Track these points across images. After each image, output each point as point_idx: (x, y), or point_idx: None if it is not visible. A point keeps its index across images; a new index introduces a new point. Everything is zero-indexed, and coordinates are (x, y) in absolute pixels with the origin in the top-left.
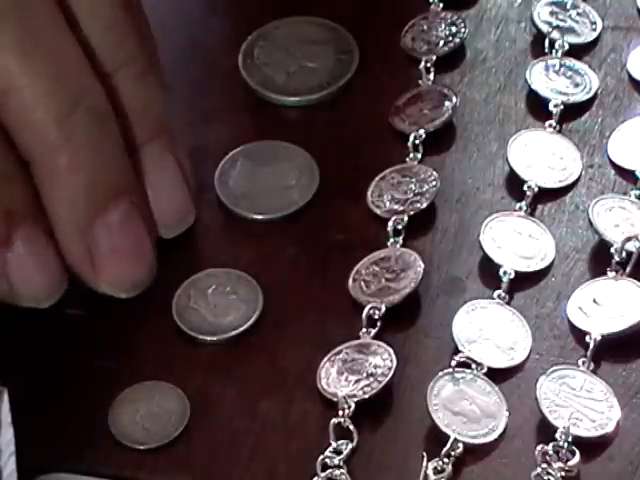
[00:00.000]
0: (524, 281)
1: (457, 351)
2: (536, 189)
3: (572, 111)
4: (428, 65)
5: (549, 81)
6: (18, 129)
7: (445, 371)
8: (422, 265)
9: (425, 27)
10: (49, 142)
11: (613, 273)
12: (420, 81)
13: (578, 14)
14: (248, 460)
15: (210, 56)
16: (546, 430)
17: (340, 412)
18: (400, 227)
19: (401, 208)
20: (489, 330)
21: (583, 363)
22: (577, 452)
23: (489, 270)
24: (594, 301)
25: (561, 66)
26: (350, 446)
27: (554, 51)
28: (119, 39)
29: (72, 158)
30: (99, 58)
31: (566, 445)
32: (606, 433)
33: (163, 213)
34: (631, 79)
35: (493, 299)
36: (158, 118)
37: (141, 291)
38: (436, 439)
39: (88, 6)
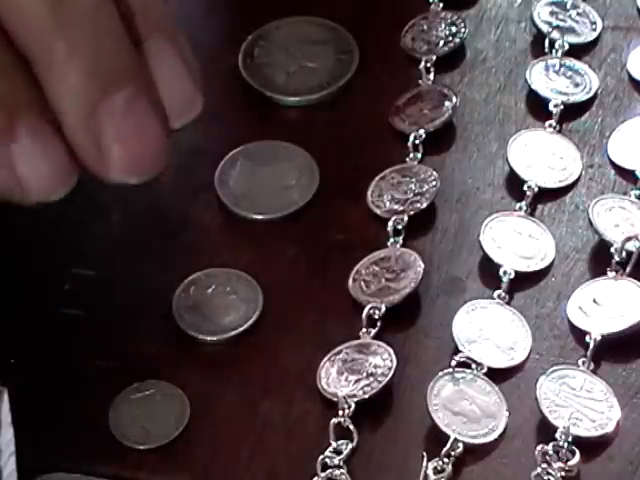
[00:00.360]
0: (524, 281)
1: (457, 351)
2: (536, 189)
3: (572, 111)
4: (428, 65)
5: (549, 81)
6: (14, 24)
7: (445, 371)
8: (422, 265)
9: (425, 27)
10: (44, 30)
11: (613, 273)
12: (420, 81)
13: (578, 14)
14: (248, 460)
15: (210, 56)
16: (546, 430)
17: (340, 412)
18: (400, 227)
19: (401, 208)
20: (489, 330)
21: (583, 363)
22: (577, 452)
23: (489, 270)
24: (594, 301)
25: (561, 66)
26: (350, 446)
27: (554, 51)
28: None
29: (69, 45)
30: None
31: (566, 445)
32: (606, 433)
33: (169, 102)
34: (631, 79)
35: (493, 299)
36: (158, 14)
37: (152, 177)
38: (436, 439)
39: None
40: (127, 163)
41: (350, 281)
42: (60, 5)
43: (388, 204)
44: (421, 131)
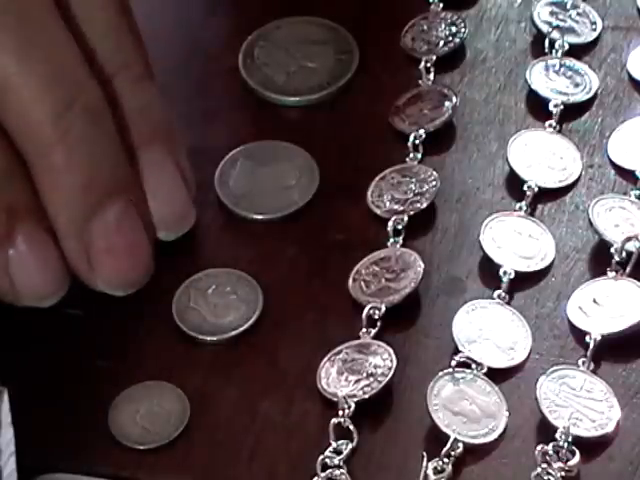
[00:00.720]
0: (524, 281)
1: (457, 351)
2: (536, 189)
3: (572, 111)
4: (428, 65)
5: (549, 81)
6: (15, 127)
7: (445, 371)
8: (422, 265)
9: (425, 27)
10: (44, 140)
11: (613, 273)
12: (420, 81)
13: (578, 14)
14: (248, 460)
15: (210, 56)
16: (546, 430)
17: (340, 412)
18: (400, 227)
19: (401, 208)
20: (489, 330)
21: (583, 363)
22: (577, 452)
23: (489, 270)
24: (594, 301)
25: (561, 66)
26: (350, 446)
27: (554, 51)
28: (116, 44)
29: (67, 156)
30: (96, 63)
31: (566, 445)
32: (606, 433)
33: (162, 216)
34: (631, 79)
35: (493, 299)
36: (156, 121)
37: (137, 289)
38: (436, 439)
39: (85, 11)
40: (115, 276)
41: (350, 281)
42: (62, 119)
43: (388, 204)
44: (421, 131)
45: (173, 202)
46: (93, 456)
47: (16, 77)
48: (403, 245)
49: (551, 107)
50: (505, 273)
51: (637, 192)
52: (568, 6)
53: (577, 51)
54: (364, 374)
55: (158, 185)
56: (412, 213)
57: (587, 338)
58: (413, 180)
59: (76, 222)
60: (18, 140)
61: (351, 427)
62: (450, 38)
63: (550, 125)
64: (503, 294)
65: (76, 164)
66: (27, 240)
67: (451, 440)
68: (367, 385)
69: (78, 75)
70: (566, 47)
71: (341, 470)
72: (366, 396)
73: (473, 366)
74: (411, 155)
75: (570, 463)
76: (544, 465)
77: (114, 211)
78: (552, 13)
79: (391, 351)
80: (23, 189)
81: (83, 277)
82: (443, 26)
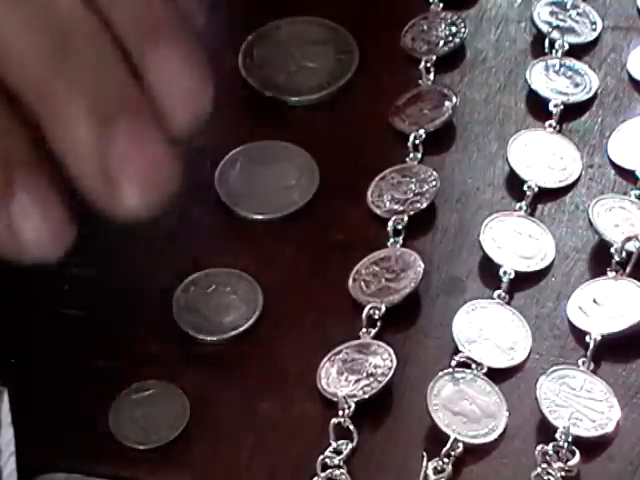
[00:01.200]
0: (524, 281)
1: (457, 351)
2: (536, 189)
3: (572, 111)
4: (428, 65)
5: (549, 81)
6: (14, 71)
7: (445, 371)
8: (422, 265)
9: (425, 27)
10: (43, 71)
11: (613, 273)
12: (420, 81)
13: (578, 14)
14: (248, 460)
15: (210, 56)
16: (546, 430)
17: (340, 412)
18: (400, 227)
19: (401, 208)
20: (489, 330)
21: (583, 363)
22: (577, 452)
23: (489, 270)
24: (594, 301)
25: (561, 66)
26: (350, 446)
27: (554, 51)
28: None
29: (68, 82)
30: None
31: (566, 445)
32: (606, 433)
33: (171, 107)
34: (631, 79)
35: (493, 299)
36: (158, 13)
37: (163, 207)
38: (436, 439)
39: None
40: (138, 191)
41: (350, 281)
42: (60, 52)
43: (388, 204)
44: (421, 131)
45: (180, 91)
46: (93, 456)
47: (10, 14)
48: (403, 245)
49: (551, 107)
50: (505, 273)
51: (637, 192)
52: (568, 6)
53: (577, 51)
54: (364, 374)
55: (162, 79)
56: (412, 213)
57: (587, 338)
58: (413, 180)
59: (88, 145)
60: (18, 84)
61: (351, 427)
62: (450, 38)
63: (550, 125)
64: (503, 294)
65: (78, 89)
66: (27, 189)
67: (451, 440)
68: (367, 385)
69: (75, 4)
70: (566, 47)
71: (341, 470)
72: (366, 396)
73: (473, 366)
74: (411, 155)
75: (570, 463)
76: (544, 465)
77: (125, 128)
78: (552, 13)
79: (391, 351)
80: (22, 141)
81: (105, 205)
82: (443, 26)
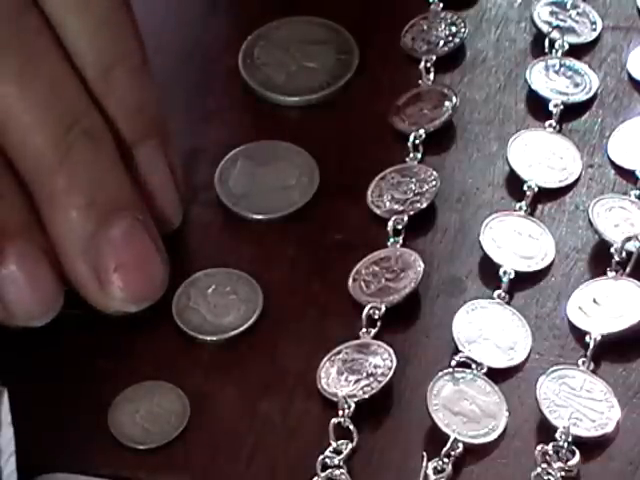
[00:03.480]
0: (524, 281)
1: (457, 351)
2: (536, 189)
3: (572, 111)
4: (428, 65)
5: (549, 81)
6: (17, 153)
7: (445, 371)
8: (422, 265)
9: (425, 27)
10: (46, 165)
11: (613, 273)
12: (420, 81)
13: (578, 14)
14: (248, 460)
15: (210, 56)
16: (546, 430)
17: (340, 412)
18: (400, 227)
19: (401, 208)
20: (489, 330)
21: (583, 363)
22: (577, 452)
23: (489, 270)
24: (594, 301)
25: (561, 66)
26: (350, 446)
27: (554, 51)
28: (114, 34)
29: (69, 179)
30: (95, 55)
31: (566, 445)
32: (606, 433)
33: (155, 214)
34: (631, 79)
35: (493, 299)
36: (153, 117)
37: (151, 303)
38: (436, 439)
39: (82, 1)
40: (128, 292)
41: (350, 281)
42: (63, 143)
43: (388, 204)
44: (421, 131)
45: (161, 201)
46: (93, 456)
47: (17, 104)
48: (403, 245)
49: (551, 107)
50: (505, 273)
51: (637, 192)
52: (568, 6)
53: (577, 51)
54: (364, 374)
55: (153, 183)
56: (412, 213)
57: (587, 338)
58: (413, 180)
59: (82, 242)
60: (19, 165)
61: (351, 427)
62: (450, 38)
63: (550, 125)
64: (503, 294)
65: (78, 186)
66: (18, 258)
67: (451, 440)
68: (367, 385)
69: (78, 100)
70: (566, 47)
71: (341, 470)
72: (366, 396)
73: (473, 366)
74: (411, 155)
75: (570, 463)
76: (544, 465)
77: (120, 227)
78: (552, 13)
79: (391, 351)
80: (16, 210)
81: (94, 299)
82: (443, 26)
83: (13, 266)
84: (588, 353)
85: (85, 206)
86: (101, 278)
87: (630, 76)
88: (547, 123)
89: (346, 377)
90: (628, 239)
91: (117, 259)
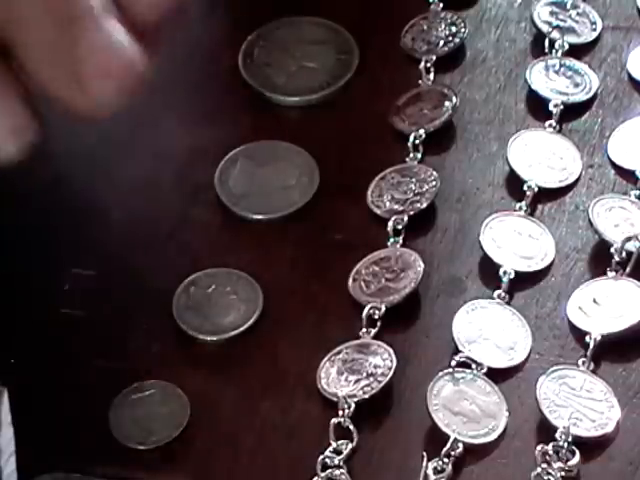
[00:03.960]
0: (524, 281)
1: (457, 351)
2: (536, 189)
3: (572, 111)
4: (428, 65)
5: (549, 81)
6: None
7: (445, 371)
8: (422, 265)
9: (425, 27)
10: None
11: (613, 273)
12: (420, 81)
13: (578, 14)
14: (248, 460)
15: (210, 56)
16: (546, 430)
17: (340, 412)
18: (400, 227)
19: (401, 208)
20: (489, 330)
21: (583, 363)
22: (577, 452)
23: (489, 270)
24: (594, 301)
25: (561, 66)
26: (350, 446)
27: (554, 51)
28: None
29: None
30: None
31: (566, 445)
32: (606, 433)
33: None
34: (631, 79)
35: (493, 299)
36: None
37: (127, 97)
38: (436, 439)
39: None
40: (103, 77)
41: (350, 281)
42: None
43: (388, 204)
44: (421, 131)
45: None
46: (93, 456)
47: None
48: (403, 245)
49: (551, 107)
50: (505, 273)
51: (637, 192)
52: (568, 6)
53: (577, 51)
54: (364, 374)
55: None
56: (412, 213)
57: (587, 338)
58: (413, 180)
59: (53, 35)
60: None
61: (351, 427)
62: (450, 38)
63: (550, 125)
64: (503, 294)
65: None
66: None
67: (451, 440)
68: (367, 385)
69: None
70: (566, 47)
71: (341, 470)
72: (366, 396)
73: (473, 366)
74: (411, 155)
75: (570, 463)
76: (544, 465)
77: (90, 14)
78: (552, 13)
79: (391, 351)
80: None
81: (69, 98)
82: (443, 26)
83: None
84: (588, 353)
85: (44, 12)
86: (77, 72)
87: (630, 76)
88: (547, 123)
89: (346, 377)
90: (628, 239)
91: (90, 42)
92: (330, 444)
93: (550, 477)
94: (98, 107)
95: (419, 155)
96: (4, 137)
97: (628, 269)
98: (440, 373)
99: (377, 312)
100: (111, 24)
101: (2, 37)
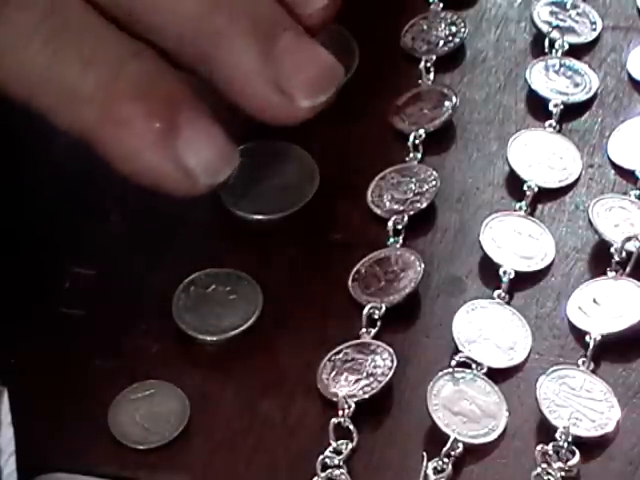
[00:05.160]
0: (524, 281)
1: (457, 351)
2: (536, 189)
3: (572, 111)
4: (428, 65)
5: (549, 81)
6: (162, 16)
7: (445, 371)
8: (422, 265)
9: (425, 27)
10: (203, 22)
11: (613, 273)
12: (420, 81)
13: (578, 14)
14: (248, 460)
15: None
16: (546, 430)
17: (340, 412)
18: (400, 227)
19: (401, 208)
20: (489, 330)
21: (583, 363)
22: (577, 452)
23: (489, 270)
24: (594, 301)
25: (561, 66)
26: (350, 446)
27: (554, 51)
28: None
29: (228, 15)
30: None
31: (566, 445)
32: (606, 433)
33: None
34: (631, 79)
35: (493, 299)
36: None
37: (332, 95)
38: (436, 439)
39: None
40: (312, 85)
41: (350, 281)
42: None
43: (388, 204)
44: (421, 131)
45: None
46: (93, 456)
47: None
48: (403, 245)
49: (551, 107)
50: (505, 273)
51: (637, 192)
52: (568, 6)
53: (577, 51)
54: (364, 374)
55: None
56: (412, 213)
57: (587, 338)
58: (413, 180)
59: (259, 59)
60: (174, 28)
61: (351, 427)
62: (450, 38)
63: (550, 125)
64: (503, 294)
65: (236, 18)
66: (191, 124)
67: (451, 440)
68: (367, 385)
69: None
70: (566, 47)
71: (341, 470)
72: (366, 396)
73: (473, 366)
74: (411, 155)
75: (570, 463)
76: (544, 465)
77: (288, 35)
78: (552, 13)
79: (391, 351)
80: (180, 80)
81: (279, 111)
82: (443, 26)
83: (189, 132)
84: (588, 353)
85: (251, 29)
86: (284, 87)
87: (630, 76)
88: (547, 123)
89: (346, 377)
90: (628, 239)
91: (295, 60)
92: (330, 444)
93: (550, 477)
94: (304, 112)
95: (419, 155)
96: (213, 167)
97: (628, 269)
98: (440, 373)
99: (377, 312)
100: (306, 36)
101: (202, 55)
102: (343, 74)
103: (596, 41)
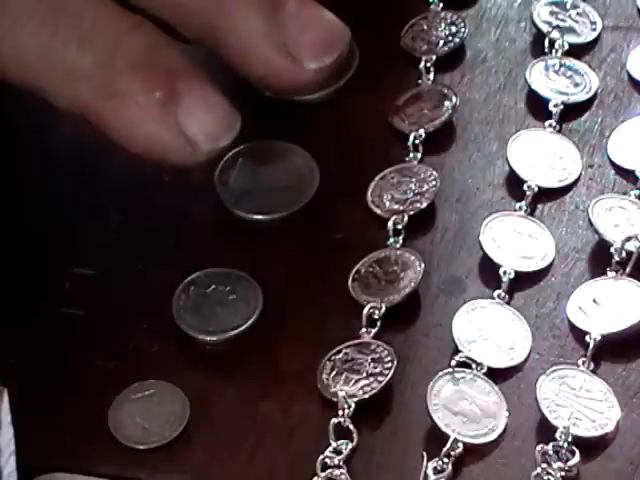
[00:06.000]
0: (524, 281)
1: (457, 351)
2: (536, 189)
3: (572, 111)
4: (428, 65)
5: (549, 81)
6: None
7: (445, 371)
8: (422, 265)
9: (425, 27)
10: None
11: (613, 273)
12: (420, 81)
13: (578, 14)
14: (248, 460)
15: (210, 56)
16: (546, 430)
17: (340, 412)
18: (400, 227)
19: (401, 208)
20: (489, 330)
21: (583, 363)
22: (577, 452)
23: (489, 270)
24: (594, 301)
25: (561, 66)
26: (350, 446)
27: (554, 51)
28: None
29: None
30: None
31: (566, 445)
32: (606, 433)
33: None
34: (631, 79)
35: (493, 299)
36: None
37: (342, 57)
38: (436, 439)
39: None
40: (318, 46)
41: (350, 281)
42: None
43: (388, 204)
44: (421, 131)
45: None
46: (93, 456)
47: None
48: (403, 245)
49: (551, 107)
50: (505, 273)
51: (637, 192)
52: (568, 6)
53: (577, 51)
54: (364, 374)
55: None
56: (412, 213)
57: (587, 338)
58: (413, 180)
59: (266, 25)
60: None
61: (351, 427)
62: (450, 38)
63: (550, 125)
64: (503, 294)
65: None
66: (190, 91)
67: (451, 440)
68: (367, 385)
69: None
70: (566, 47)
71: (341, 470)
72: (366, 396)
73: (473, 366)
74: (411, 155)
75: (570, 463)
76: (544, 465)
77: (291, 2)
78: (552, 13)
79: (391, 351)
80: (179, 50)
81: (287, 72)
82: (443, 26)
83: (189, 101)
84: (588, 353)
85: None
86: (290, 50)
87: (630, 76)
88: (547, 123)
89: (346, 377)
90: (628, 239)
91: (302, 22)
92: (330, 444)
93: (550, 477)
94: (311, 75)
95: (419, 155)
96: (214, 132)
97: (628, 269)
98: (440, 373)
99: (377, 312)
100: (314, 3)
101: (207, 25)
102: (349, 36)
103: (596, 41)
